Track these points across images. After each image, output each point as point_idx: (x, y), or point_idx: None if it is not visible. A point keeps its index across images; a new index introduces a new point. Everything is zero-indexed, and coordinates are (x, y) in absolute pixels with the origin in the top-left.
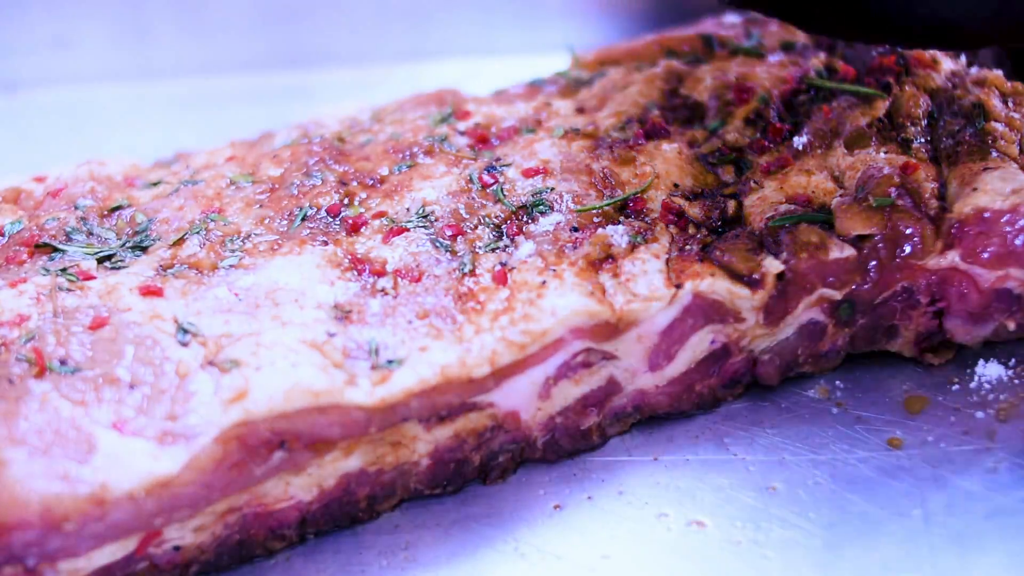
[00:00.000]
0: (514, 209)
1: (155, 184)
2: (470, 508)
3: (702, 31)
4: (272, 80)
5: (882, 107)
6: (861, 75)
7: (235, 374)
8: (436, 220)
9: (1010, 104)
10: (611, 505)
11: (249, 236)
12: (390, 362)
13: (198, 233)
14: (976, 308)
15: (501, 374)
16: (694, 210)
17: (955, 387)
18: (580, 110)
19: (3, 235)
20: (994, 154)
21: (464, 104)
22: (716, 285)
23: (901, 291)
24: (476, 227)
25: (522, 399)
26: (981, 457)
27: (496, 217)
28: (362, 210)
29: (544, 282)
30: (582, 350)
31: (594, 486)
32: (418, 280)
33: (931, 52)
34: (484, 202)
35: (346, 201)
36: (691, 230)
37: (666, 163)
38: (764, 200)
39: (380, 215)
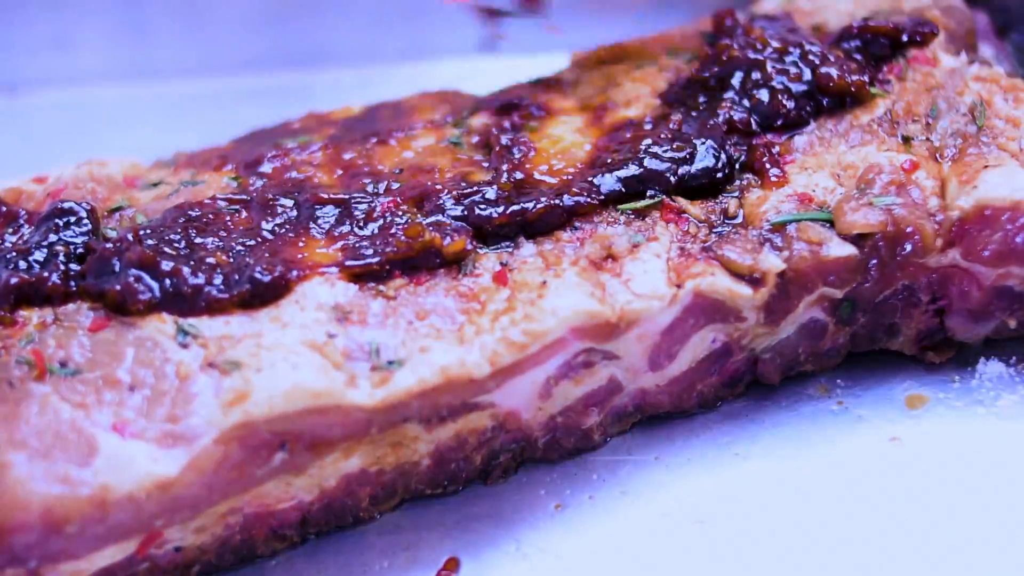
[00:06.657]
0: None
1: (155, 184)
2: (471, 508)
3: (703, 29)
4: (272, 80)
5: (883, 105)
6: (861, 73)
7: (235, 376)
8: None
9: (1010, 101)
10: (612, 505)
11: None
12: (390, 363)
13: None
14: (977, 306)
15: (502, 374)
16: (695, 209)
17: (956, 385)
18: (583, 107)
19: None
20: (995, 152)
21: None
22: (717, 284)
23: (902, 289)
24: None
25: (523, 399)
26: (982, 455)
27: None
28: None
29: (545, 282)
30: (583, 350)
31: (595, 486)
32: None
33: (931, 49)
34: None
35: None
36: (692, 229)
37: None
38: (765, 199)
39: None
